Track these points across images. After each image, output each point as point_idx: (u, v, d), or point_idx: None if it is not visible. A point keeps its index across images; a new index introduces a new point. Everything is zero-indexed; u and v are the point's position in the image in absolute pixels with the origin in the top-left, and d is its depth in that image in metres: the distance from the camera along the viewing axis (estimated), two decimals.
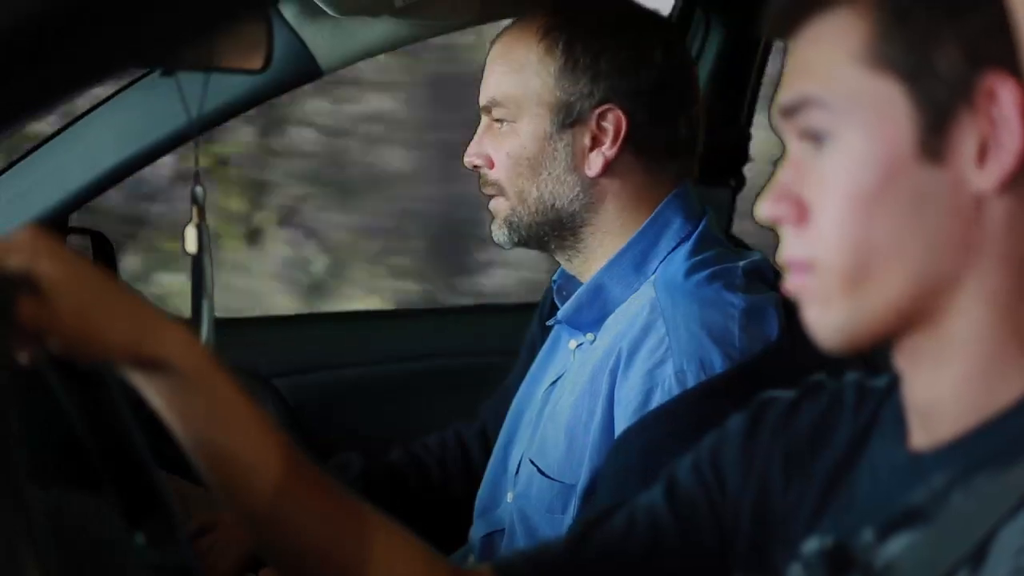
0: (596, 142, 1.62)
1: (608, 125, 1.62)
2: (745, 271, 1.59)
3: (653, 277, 1.61)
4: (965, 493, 0.86)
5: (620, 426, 1.53)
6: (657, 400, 1.50)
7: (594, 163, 1.62)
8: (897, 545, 0.88)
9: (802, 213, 0.89)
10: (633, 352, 1.54)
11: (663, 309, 1.55)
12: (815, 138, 0.89)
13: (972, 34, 0.84)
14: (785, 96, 0.90)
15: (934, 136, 0.85)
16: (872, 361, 0.95)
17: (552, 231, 1.65)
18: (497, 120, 1.66)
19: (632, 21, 1.66)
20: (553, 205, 1.63)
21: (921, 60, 0.85)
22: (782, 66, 0.93)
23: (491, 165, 1.67)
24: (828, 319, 0.89)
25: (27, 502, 0.81)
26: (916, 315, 0.87)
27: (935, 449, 0.89)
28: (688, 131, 1.67)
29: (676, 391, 1.50)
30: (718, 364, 1.50)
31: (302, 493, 1.01)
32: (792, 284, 0.90)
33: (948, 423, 0.89)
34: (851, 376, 1.02)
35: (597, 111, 1.61)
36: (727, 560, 1.03)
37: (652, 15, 1.70)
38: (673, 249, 1.62)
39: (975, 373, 0.87)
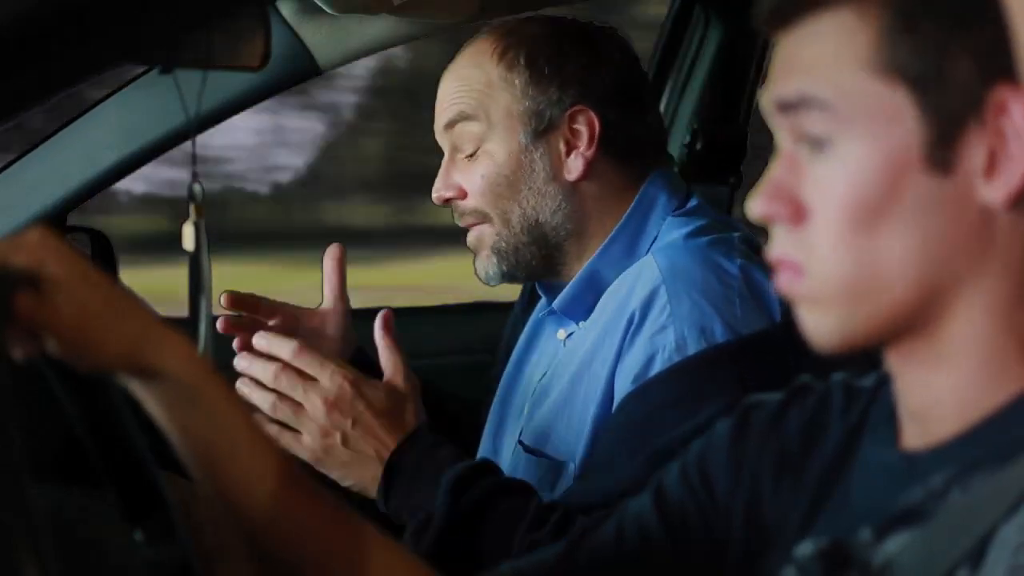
0: (571, 145, 1.62)
1: (581, 127, 1.62)
2: (742, 241, 1.60)
3: (651, 248, 1.61)
4: (964, 491, 0.85)
5: (620, 392, 1.52)
6: (657, 367, 1.50)
7: (573, 167, 1.62)
8: (895, 544, 0.88)
9: (798, 214, 0.87)
10: (641, 320, 1.54)
11: (664, 277, 1.55)
12: (815, 141, 0.87)
13: (983, 46, 0.82)
14: (783, 91, 0.88)
15: (942, 146, 0.83)
16: (871, 355, 0.94)
17: (539, 251, 1.64)
18: (466, 155, 1.64)
19: (583, 29, 1.67)
20: (537, 220, 1.62)
21: (931, 69, 0.83)
22: None
23: (463, 195, 1.65)
24: (821, 322, 0.88)
25: (27, 502, 0.81)
26: (914, 321, 0.87)
27: (931, 449, 0.89)
28: (657, 124, 1.70)
29: (676, 359, 1.50)
30: (719, 332, 1.50)
31: (298, 505, 1.00)
32: (783, 283, 0.89)
33: (945, 424, 0.88)
34: (838, 376, 1.01)
35: (568, 113, 1.61)
36: (719, 568, 1.02)
37: (597, 25, 1.71)
38: (666, 221, 1.62)
39: (973, 377, 0.87)
